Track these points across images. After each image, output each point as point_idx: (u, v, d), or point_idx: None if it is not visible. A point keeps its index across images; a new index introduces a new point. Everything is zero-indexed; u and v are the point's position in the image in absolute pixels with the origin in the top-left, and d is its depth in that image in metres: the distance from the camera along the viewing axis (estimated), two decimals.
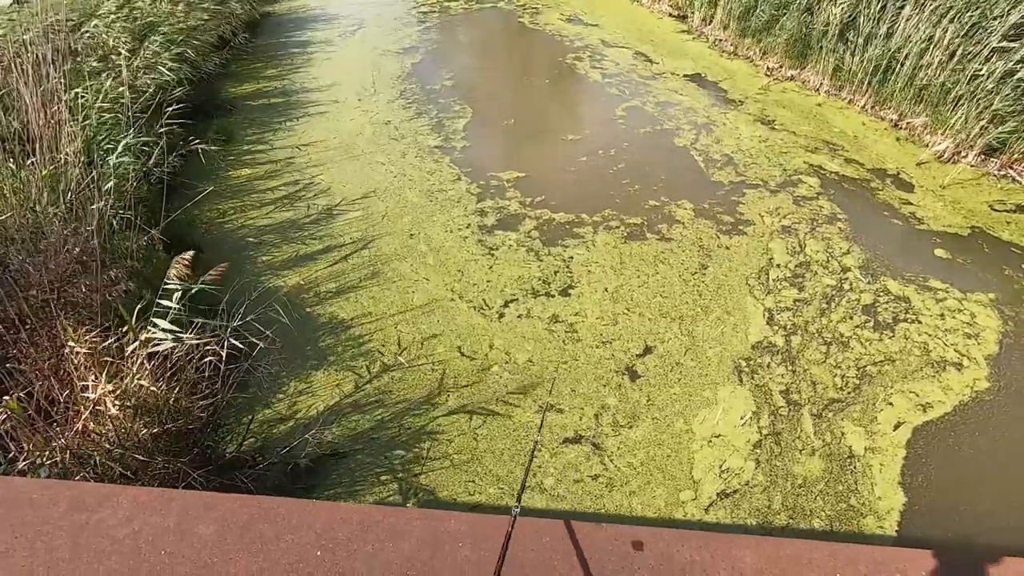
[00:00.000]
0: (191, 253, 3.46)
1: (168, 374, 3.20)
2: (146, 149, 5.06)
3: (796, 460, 3.52)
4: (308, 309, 4.58)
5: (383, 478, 3.43)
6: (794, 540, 2.38)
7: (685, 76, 8.34)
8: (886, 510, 3.28)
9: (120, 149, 4.38)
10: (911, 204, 5.69)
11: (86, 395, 2.98)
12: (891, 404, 3.84)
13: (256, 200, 5.87)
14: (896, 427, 3.70)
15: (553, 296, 4.65)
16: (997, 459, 3.55)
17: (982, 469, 3.50)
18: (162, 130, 5.14)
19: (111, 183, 4.11)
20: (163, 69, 6.71)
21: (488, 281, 4.81)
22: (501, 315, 4.49)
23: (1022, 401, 3.86)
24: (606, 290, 4.70)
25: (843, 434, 3.66)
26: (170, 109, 5.56)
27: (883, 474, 3.45)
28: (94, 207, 3.67)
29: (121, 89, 5.12)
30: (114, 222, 4.06)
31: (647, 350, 4.19)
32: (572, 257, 5.05)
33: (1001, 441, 3.64)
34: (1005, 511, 3.30)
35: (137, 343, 3.10)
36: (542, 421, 2.74)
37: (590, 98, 7.99)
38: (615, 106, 7.60)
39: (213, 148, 6.06)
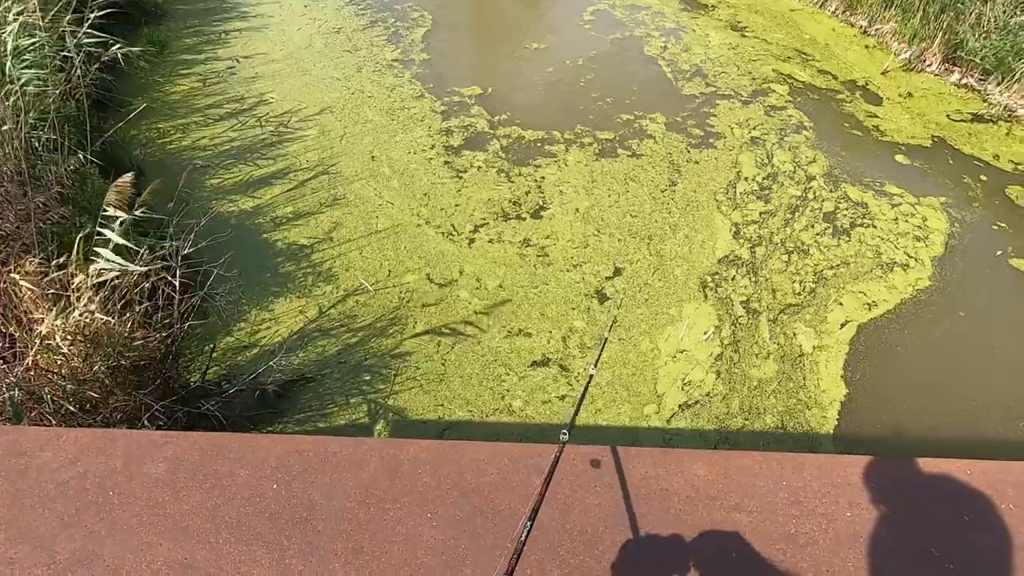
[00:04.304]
0: (130, 175, 3.17)
1: (119, 304, 3.05)
2: (64, 61, 4.52)
3: (753, 364, 3.67)
4: (265, 235, 4.38)
5: (352, 400, 3.43)
6: (744, 452, 2.49)
7: None
8: (829, 402, 3.51)
9: (26, 58, 3.87)
10: (876, 116, 5.66)
11: (33, 329, 2.82)
12: (841, 304, 4.01)
13: (199, 118, 5.43)
14: (843, 325, 3.89)
15: (524, 219, 4.54)
16: (929, 351, 3.80)
17: (916, 361, 3.74)
18: (82, 39, 4.58)
19: (26, 99, 3.68)
20: None
21: (456, 205, 4.65)
22: (471, 240, 4.38)
23: (954, 297, 4.12)
24: (577, 211, 4.62)
25: (795, 335, 3.83)
26: (92, 16, 4.94)
27: (828, 369, 3.66)
28: (6, 128, 3.28)
29: None
30: (37, 144, 3.68)
31: (616, 272, 4.19)
32: (543, 177, 4.90)
33: (932, 335, 3.89)
34: (932, 400, 3.57)
35: (82, 276, 2.91)
36: (599, 356, 2.66)
37: (555, 1, 7.49)
38: (581, 10, 7.16)
39: (144, 61, 5.49)
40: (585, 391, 2.31)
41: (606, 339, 2.95)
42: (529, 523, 1.36)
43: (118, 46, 4.34)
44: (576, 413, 2.11)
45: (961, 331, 3.90)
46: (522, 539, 1.34)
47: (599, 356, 2.69)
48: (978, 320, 3.98)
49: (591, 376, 2.34)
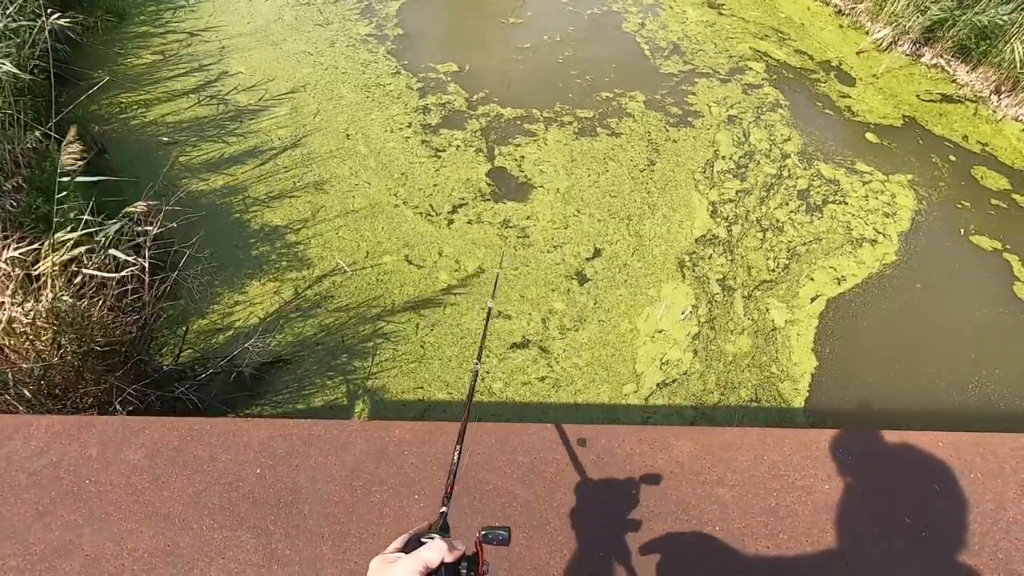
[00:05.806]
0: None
1: (87, 287, 2.92)
2: (17, 32, 4.26)
3: (728, 340, 3.74)
4: (238, 214, 4.25)
5: (331, 383, 3.39)
6: (727, 428, 2.55)
7: None
8: (800, 374, 3.61)
9: None
10: (849, 96, 5.73)
11: None
12: (812, 279, 4.12)
13: (164, 92, 5.20)
14: (813, 300, 3.99)
15: (503, 200, 4.50)
16: (891, 323, 3.95)
17: (881, 334, 3.88)
18: (34, 7, 4.32)
19: None
20: None
21: (435, 184, 4.57)
22: (450, 221, 4.31)
23: (916, 272, 4.26)
24: (558, 191, 4.59)
25: (768, 310, 3.91)
26: None
27: (799, 343, 3.76)
28: None
29: None
30: None
31: (596, 253, 4.19)
32: (523, 157, 4.84)
33: (894, 308, 4.03)
34: (896, 372, 3.72)
35: (51, 258, 2.77)
36: (495, 287, 2.66)
37: None
38: None
39: (102, 31, 5.22)
40: (487, 324, 2.23)
41: (499, 273, 3.21)
42: (458, 446, 1.38)
43: (62, 19, 4.10)
44: (482, 346, 2.00)
45: (922, 305, 4.05)
46: (454, 461, 1.35)
47: (494, 289, 2.65)
48: (940, 294, 4.12)
49: (489, 309, 2.29)
